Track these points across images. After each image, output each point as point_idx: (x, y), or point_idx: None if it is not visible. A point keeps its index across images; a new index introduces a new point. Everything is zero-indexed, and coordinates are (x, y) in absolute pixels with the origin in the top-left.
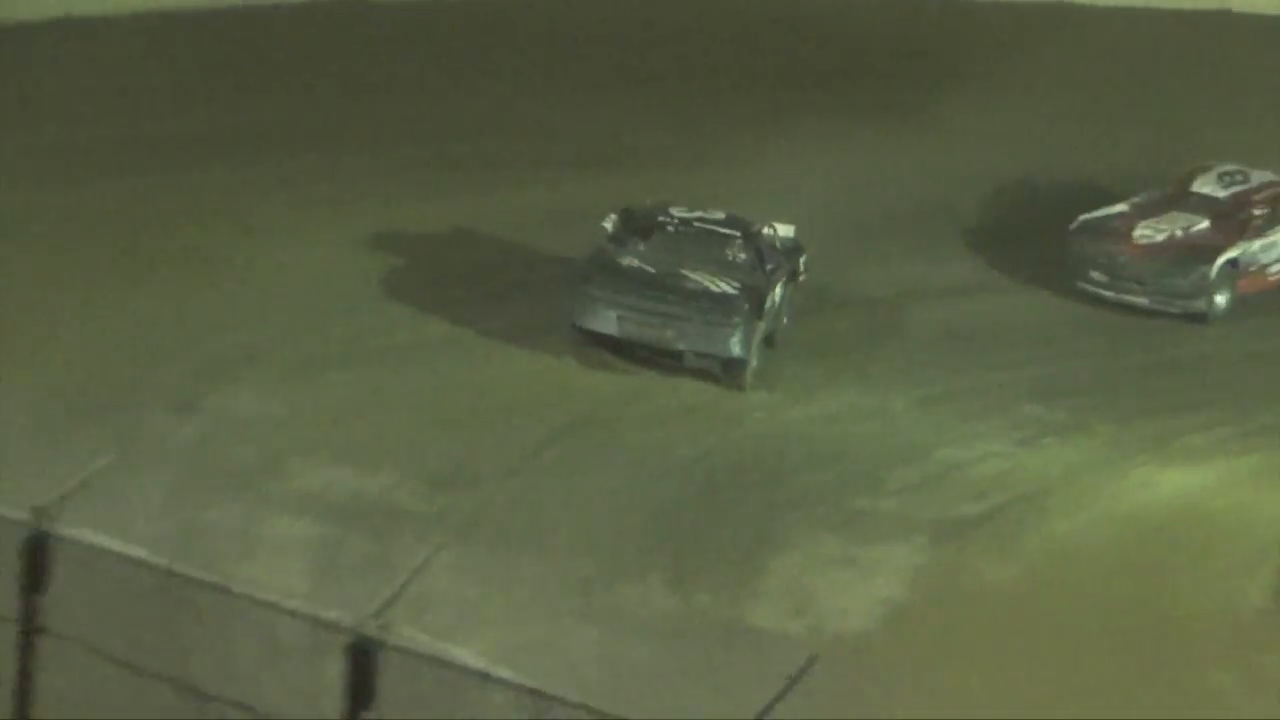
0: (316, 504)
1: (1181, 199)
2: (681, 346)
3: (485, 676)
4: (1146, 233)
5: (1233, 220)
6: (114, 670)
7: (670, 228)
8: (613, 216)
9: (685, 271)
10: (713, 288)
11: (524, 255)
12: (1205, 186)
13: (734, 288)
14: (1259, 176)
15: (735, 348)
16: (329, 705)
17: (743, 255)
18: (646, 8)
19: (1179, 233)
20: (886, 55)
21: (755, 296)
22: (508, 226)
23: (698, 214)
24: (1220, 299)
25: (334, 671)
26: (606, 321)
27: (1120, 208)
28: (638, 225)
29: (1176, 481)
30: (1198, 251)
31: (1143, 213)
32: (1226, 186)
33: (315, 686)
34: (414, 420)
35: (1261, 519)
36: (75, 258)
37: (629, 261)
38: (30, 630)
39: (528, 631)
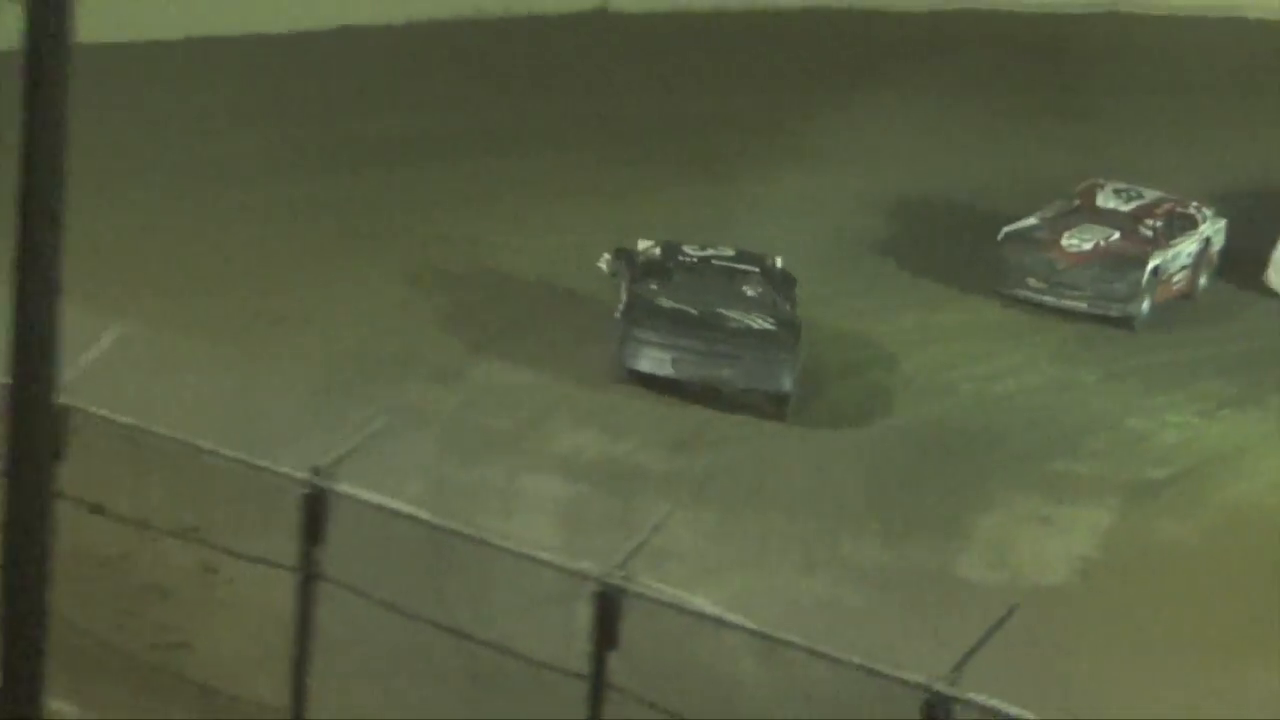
0: (568, 465)
1: (1089, 212)
2: (739, 384)
3: (719, 621)
4: (1074, 242)
5: (1137, 232)
6: (383, 613)
7: (689, 266)
8: (607, 257)
9: (720, 310)
10: (754, 325)
11: (745, 242)
12: (1108, 201)
13: (771, 324)
14: (1150, 193)
15: (786, 382)
16: (577, 646)
17: (760, 289)
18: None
19: (1102, 242)
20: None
21: (794, 331)
22: (732, 215)
23: (710, 251)
24: (1145, 304)
25: (582, 616)
26: (660, 364)
27: (1033, 220)
28: (652, 265)
29: None
30: (1127, 259)
31: (1056, 225)
32: (1126, 201)
33: (565, 629)
34: (654, 390)
35: None
36: (349, 241)
37: (666, 302)
38: (310, 577)
39: (756, 581)
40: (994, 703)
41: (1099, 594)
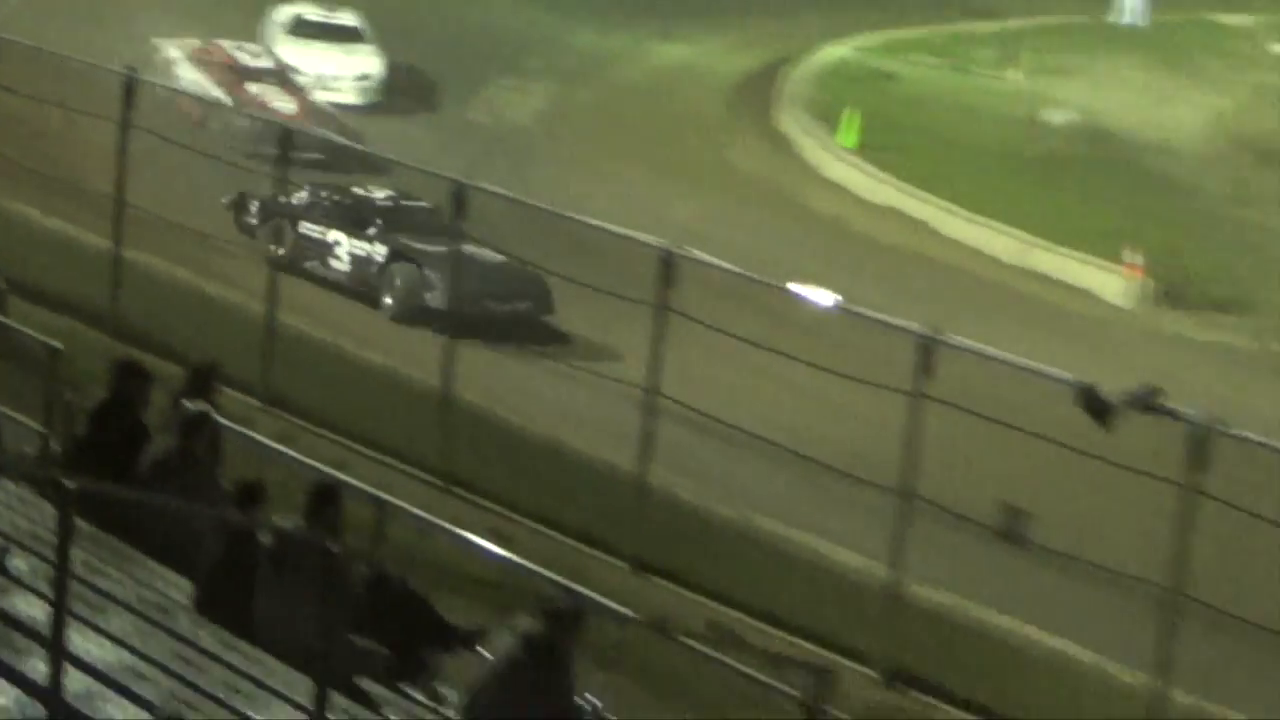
0: None
1: (251, 72)
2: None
3: None
4: (280, 105)
5: (291, 82)
6: None
7: (378, 207)
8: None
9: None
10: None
11: None
12: (247, 60)
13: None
14: (226, 41)
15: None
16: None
17: None
18: None
19: (301, 101)
20: None
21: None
22: None
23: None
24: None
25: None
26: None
27: (210, 87)
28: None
29: (679, 52)
30: (325, 115)
31: (236, 85)
32: (254, 57)
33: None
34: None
35: (723, 71)
36: None
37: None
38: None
39: None
40: (492, 187)
41: (547, 128)
